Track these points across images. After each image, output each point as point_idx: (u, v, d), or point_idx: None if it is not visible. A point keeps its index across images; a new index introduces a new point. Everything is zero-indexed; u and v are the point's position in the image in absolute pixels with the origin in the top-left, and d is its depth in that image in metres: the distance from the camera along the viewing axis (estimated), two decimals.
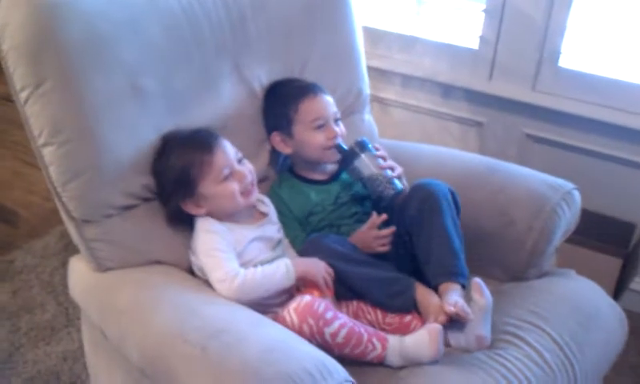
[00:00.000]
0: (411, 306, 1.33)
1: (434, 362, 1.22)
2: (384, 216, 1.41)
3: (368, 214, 1.44)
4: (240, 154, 1.38)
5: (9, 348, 1.94)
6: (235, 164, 1.35)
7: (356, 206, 1.51)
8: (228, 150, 1.35)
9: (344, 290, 1.35)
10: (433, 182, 1.40)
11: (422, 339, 1.22)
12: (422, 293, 1.33)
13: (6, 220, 2.53)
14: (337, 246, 1.37)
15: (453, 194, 1.40)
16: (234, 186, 1.33)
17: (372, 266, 1.36)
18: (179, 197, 1.32)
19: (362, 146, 1.45)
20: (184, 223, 1.36)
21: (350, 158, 1.45)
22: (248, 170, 1.37)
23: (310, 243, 1.40)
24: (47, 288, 2.17)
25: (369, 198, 1.51)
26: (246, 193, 1.35)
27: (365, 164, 1.44)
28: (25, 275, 2.23)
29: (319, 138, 1.48)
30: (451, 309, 1.23)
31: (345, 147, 1.48)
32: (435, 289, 1.33)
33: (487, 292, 1.28)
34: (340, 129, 1.51)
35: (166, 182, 1.32)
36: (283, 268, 1.30)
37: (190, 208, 1.33)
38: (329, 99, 1.52)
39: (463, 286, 1.31)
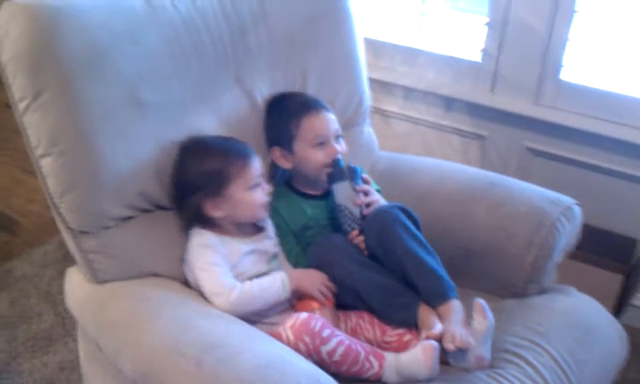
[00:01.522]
0: (413, 322, 1.31)
1: (430, 379, 1.21)
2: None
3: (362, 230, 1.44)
4: (264, 171, 1.41)
5: (6, 357, 1.93)
6: (262, 178, 1.38)
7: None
8: (259, 162, 1.39)
9: (347, 294, 1.34)
10: (381, 210, 1.40)
11: (417, 357, 1.21)
12: (426, 312, 1.30)
13: (5, 228, 2.52)
14: (346, 246, 1.38)
15: (404, 210, 1.39)
16: (260, 196, 1.36)
17: (379, 272, 1.35)
18: (203, 194, 1.32)
19: (350, 173, 1.46)
20: (187, 228, 1.36)
21: (335, 178, 1.46)
22: (269, 186, 1.41)
23: (318, 243, 1.40)
24: (45, 297, 2.16)
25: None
26: (265, 206, 1.38)
27: (339, 191, 1.45)
28: (23, 284, 2.22)
29: (319, 156, 1.47)
30: (450, 346, 1.21)
31: (341, 164, 1.47)
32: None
33: (489, 313, 1.26)
34: (341, 146, 1.50)
35: (194, 177, 1.32)
36: (279, 281, 1.31)
37: (208, 208, 1.33)
38: (331, 116, 1.51)
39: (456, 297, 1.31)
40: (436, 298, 1.30)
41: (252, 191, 1.35)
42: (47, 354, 1.95)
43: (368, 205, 1.44)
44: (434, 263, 1.34)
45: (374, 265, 1.37)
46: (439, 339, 1.22)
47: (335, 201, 1.45)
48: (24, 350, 1.96)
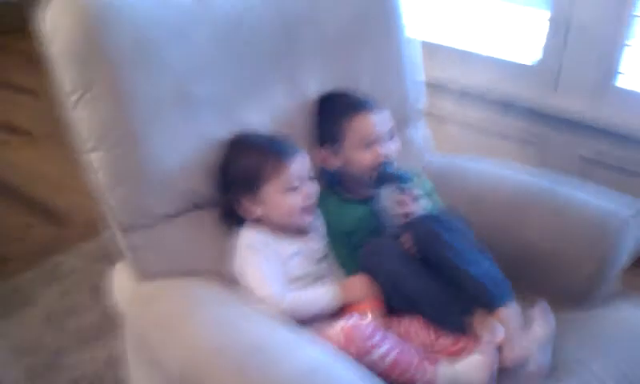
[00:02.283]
0: (468, 328, 1.26)
1: None
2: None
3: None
4: (312, 172, 1.36)
5: (54, 350, 1.95)
6: (306, 180, 1.34)
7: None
8: (304, 164, 1.34)
9: (398, 298, 1.30)
10: (417, 221, 1.36)
11: (476, 364, 1.17)
12: (483, 317, 1.25)
13: (57, 221, 2.56)
14: (398, 252, 1.33)
15: (438, 219, 1.34)
16: (297, 201, 1.31)
17: (433, 278, 1.30)
18: (240, 190, 1.31)
19: (396, 181, 1.41)
20: (231, 225, 1.34)
21: (381, 182, 1.43)
22: (315, 188, 1.35)
23: (369, 249, 1.35)
24: (94, 292, 2.18)
25: None
26: (306, 211, 1.34)
27: (385, 195, 1.42)
28: (73, 278, 2.25)
29: (367, 157, 1.44)
30: (510, 355, 1.17)
31: (387, 169, 1.44)
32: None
33: (551, 318, 1.22)
34: (393, 146, 1.47)
35: (233, 172, 1.31)
36: (330, 294, 1.29)
37: (245, 205, 1.31)
38: (382, 116, 1.47)
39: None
40: (493, 302, 1.25)
41: (288, 194, 1.31)
42: (95, 347, 1.96)
43: (407, 214, 1.39)
44: (488, 268, 1.29)
45: (426, 270, 1.32)
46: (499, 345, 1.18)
47: (379, 204, 1.42)
48: (72, 344, 1.98)
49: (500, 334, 1.19)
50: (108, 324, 2.04)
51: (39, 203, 2.68)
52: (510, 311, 1.24)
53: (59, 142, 2.96)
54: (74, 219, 2.57)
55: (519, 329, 1.21)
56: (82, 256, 2.35)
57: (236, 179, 1.31)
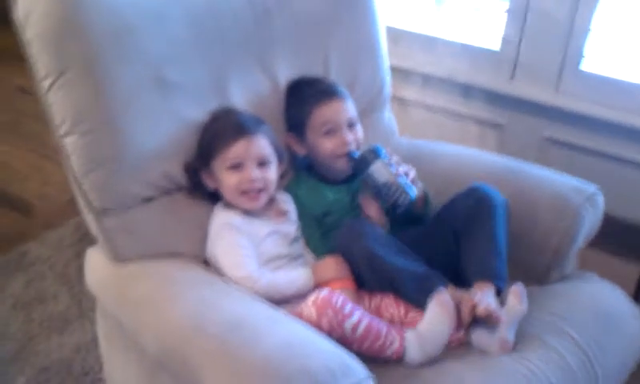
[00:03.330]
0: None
1: (454, 332, 1.24)
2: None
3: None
4: (266, 160, 1.35)
5: (22, 338, 1.94)
6: (251, 163, 1.33)
7: (383, 202, 1.48)
8: (254, 146, 1.33)
9: (375, 278, 1.33)
10: (491, 189, 1.41)
11: (434, 312, 1.22)
12: (453, 291, 1.30)
13: (21, 211, 2.53)
14: (376, 231, 1.36)
15: (508, 206, 1.40)
16: (234, 181, 1.32)
17: (408, 257, 1.34)
18: (198, 163, 1.34)
19: (374, 153, 1.42)
20: (200, 199, 1.37)
21: (363, 165, 1.42)
22: (262, 176, 1.34)
23: (348, 227, 1.37)
24: (61, 279, 2.17)
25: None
26: (247, 195, 1.33)
27: (379, 172, 1.41)
28: (38, 266, 2.23)
29: (329, 145, 1.47)
30: (482, 309, 1.22)
31: (356, 155, 1.45)
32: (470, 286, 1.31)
33: (525, 300, 1.27)
34: (355, 134, 1.49)
35: (199, 142, 1.35)
36: (303, 278, 1.31)
37: (205, 178, 1.35)
38: (345, 104, 1.49)
39: (499, 290, 1.30)
40: (484, 274, 1.31)
41: (228, 172, 1.32)
42: (63, 335, 1.95)
43: (412, 179, 1.43)
44: (504, 253, 1.35)
45: (403, 248, 1.35)
46: (473, 309, 1.23)
47: (379, 183, 1.40)
48: (40, 332, 1.96)
49: (477, 296, 1.24)
50: (75, 311, 2.04)
51: (4, 193, 2.63)
52: (490, 286, 1.29)
53: (21, 132, 2.93)
54: (39, 209, 2.54)
55: (496, 306, 1.25)
56: (48, 244, 2.32)
57: (198, 152, 1.35)
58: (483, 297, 1.25)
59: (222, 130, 1.33)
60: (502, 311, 1.24)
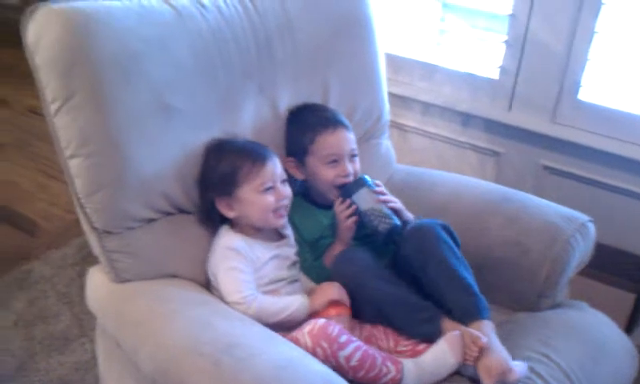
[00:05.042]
0: (437, 335, 1.29)
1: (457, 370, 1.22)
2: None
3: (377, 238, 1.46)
4: (285, 176, 1.41)
5: (23, 356, 1.96)
6: (279, 182, 1.38)
7: (365, 229, 1.51)
8: (277, 167, 1.39)
9: (368, 309, 1.35)
10: (424, 222, 1.41)
11: (442, 349, 1.23)
12: (451, 325, 1.29)
13: (26, 230, 2.56)
14: (369, 261, 1.38)
15: (446, 228, 1.39)
16: (271, 201, 1.36)
17: (401, 287, 1.35)
18: (217, 192, 1.36)
19: (360, 182, 1.48)
20: (210, 226, 1.40)
21: (348, 192, 1.47)
22: (288, 192, 1.40)
23: (342, 256, 1.40)
24: (63, 299, 2.19)
25: None
26: (278, 213, 1.38)
27: (362, 198, 1.45)
28: (41, 285, 2.25)
29: (330, 174, 1.50)
30: (485, 340, 1.22)
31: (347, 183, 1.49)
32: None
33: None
34: (355, 166, 1.52)
35: (211, 175, 1.37)
36: (298, 304, 1.32)
37: (222, 206, 1.37)
38: (347, 135, 1.52)
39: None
40: (469, 316, 1.29)
41: (263, 194, 1.36)
42: (64, 354, 1.97)
43: (394, 209, 1.46)
44: (472, 282, 1.33)
45: (395, 279, 1.37)
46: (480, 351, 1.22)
47: (361, 209, 1.45)
48: (41, 350, 1.98)
49: (483, 339, 1.22)
50: (76, 331, 2.06)
51: (10, 212, 2.67)
52: (485, 326, 1.28)
53: (29, 152, 2.98)
54: (44, 228, 2.57)
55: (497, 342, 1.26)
56: (51, 264, 2.35)
57: (213, 182, 1.37)
58: (490, 351, 1.23)
59: (244, 157, 1.36)
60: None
